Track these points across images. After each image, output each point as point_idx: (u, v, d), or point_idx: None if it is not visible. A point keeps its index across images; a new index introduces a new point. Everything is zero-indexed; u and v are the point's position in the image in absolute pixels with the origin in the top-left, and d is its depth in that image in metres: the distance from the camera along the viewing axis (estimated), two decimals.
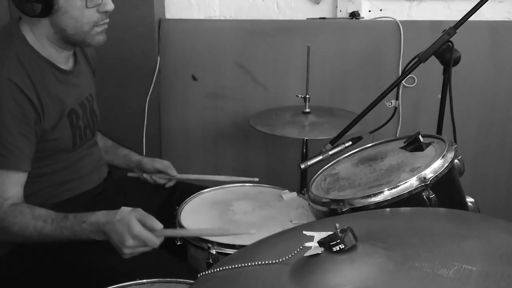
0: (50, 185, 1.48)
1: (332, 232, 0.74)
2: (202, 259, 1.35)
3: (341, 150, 1.53)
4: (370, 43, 2.33)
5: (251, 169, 2.52)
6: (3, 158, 1.31)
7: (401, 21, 2.28)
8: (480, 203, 1.44)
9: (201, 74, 2.45)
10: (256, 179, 1.68)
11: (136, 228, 1.21)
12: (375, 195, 1.20)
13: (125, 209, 1.26)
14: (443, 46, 1.52)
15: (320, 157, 1.51)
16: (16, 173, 1.34)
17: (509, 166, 2.41)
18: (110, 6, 1.40)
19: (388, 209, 1.12)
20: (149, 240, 1.23)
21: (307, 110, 2.01)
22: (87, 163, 1.59)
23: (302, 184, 2.07)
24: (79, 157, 1.56)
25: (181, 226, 1.43)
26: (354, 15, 2.36)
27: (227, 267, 0.85)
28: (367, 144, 1.53)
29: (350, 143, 1.55)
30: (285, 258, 0.81)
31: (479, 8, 1.48)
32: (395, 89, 1.63)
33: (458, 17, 1.51)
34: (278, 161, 2.50)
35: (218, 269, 0.86)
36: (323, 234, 0.75)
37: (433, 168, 1.21)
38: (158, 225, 1.24)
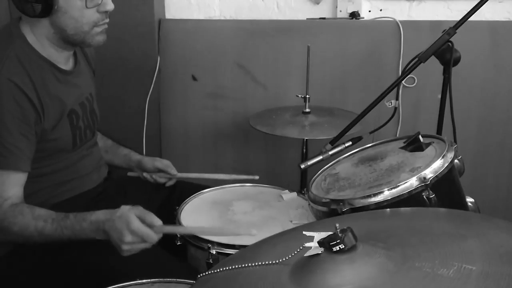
0: (50, 185, 1.48)
1: (332, 232, 0.74)
2: (202, 259, 1.35)
3: (341, 150, 1.52)
4: (370, 43, 2.33)
5: (251, 169, 2.51)
6: (3, 158, 1.31)
7: (401, 21, 2.28)
8: (480, 203, 1.44)
9: (201, 74, 2.45)
10: (257, 177, 1.68)
11: (134, 224, 1.22)
12: (375, 195, 1.21)
13: (125, 207, 1.26)
14: (443, 46, 1.52)
15: (320, 157, 1.51)
16: (16, 173, 1.34)
17: (509, 166, 2.41)
18: (110, 6, 1.40)
19: (388, 209, 1.12)
20: (148, 235, 1.23)
21: (307, 110, 2.01)
22: (87, 163, 1.59)
23: (302, 184, 2.07)
24: (79, 157, 1.56)
25: (181, 232, 1.43)
26: (354, 15, 2.36)
27: (227, 268, 0.85)
28: (367, 144, 1.53)
29: (350, 143, 1.55)
30: (285, 259, 0.81)
31: (479, 8, 1.48)
32: (395, 89, 1.64)
33: (458, 17, 1.51)
34: (278, 161, 2.50)
35: (218, 270, 0.86)
36: (323, 234, 0.76)
37: (433, 168, 1.21)
38: (157, 221, 1.24)
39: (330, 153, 1.51)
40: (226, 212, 1.54)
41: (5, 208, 1.30)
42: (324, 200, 1.28)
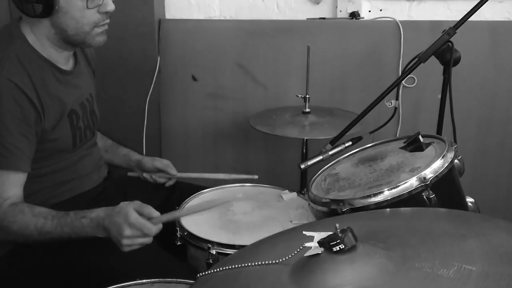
0: (50, 185, 1.49)
1: (332, 232, 0.74)
2: (202, 259, 1.35)
3: (341, 150, 1.52)
4: (370, 43, 2.33)
5: (251, 169, 2.50)
6: (3, 158, 1.32)
7: (401, 21, 2.28)
8: (480, 203, 1.44)
9: (201, 74, 2.45)
10: (256, 176, 1.68)
11: (132, 217, 1.23)
12: (375, 195, 1.20)
13: (123, 203, 1.28)
14: (443, 46, 1.52)
15: (320, 157, 1.51)
16: (16, 173, 1.35)
17: (509, 166, 2.41)
18: (111, 7, 1.40)
19: (388, 209, 1.12)
20: (146, 228, 1.24)
21: (307, 110, 2.01)
22: (87, 163, 1.59)
23: (302, 184, 2.07)
24: (79, 157, 1.56)
25: (181, 226, 1.43)
26: (354, 15, 2.36)
27: (227, 267, 0.85)
28: (367, 144, 1.53)
29: (350, 143, 1.55)
30: (285, 258, 0.81)
31: (479, 8, 1.48)
32: (395, 89, 1.64)
33: (458, 17, 1.51)
34: (278, 161, 2.50)
35: (218, 269, 0.86)
36: (323, 234, 0.76)
37: (433, 168, 1.21)
38: (155, 212, 1.26)
39: (330, 153, 1.51)
40: (226, 213, 1.54)
41: (5, 208, 1.31)
42: (324, 200, 1.28)
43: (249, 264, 0.83)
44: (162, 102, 2.48)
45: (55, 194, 1.50)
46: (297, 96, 2.02)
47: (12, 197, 1.33)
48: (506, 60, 2.28)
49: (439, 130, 1.68)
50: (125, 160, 1.78)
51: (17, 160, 1.33)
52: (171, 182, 1.75)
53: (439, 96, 1.65)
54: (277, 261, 0.82)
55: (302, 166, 1.51)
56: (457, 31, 1.49)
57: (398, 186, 1.19)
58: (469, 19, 1.50)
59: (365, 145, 1.53)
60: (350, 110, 2.09)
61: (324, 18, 2.39)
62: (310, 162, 1.50)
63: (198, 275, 0.88)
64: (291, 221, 1.47)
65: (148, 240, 1.26)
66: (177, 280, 1.11)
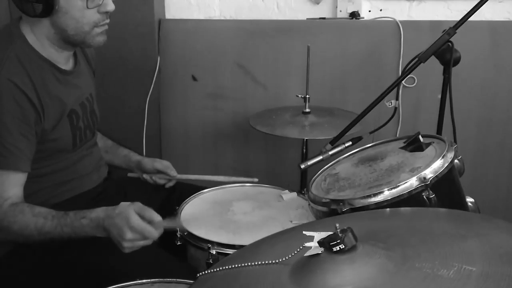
0: (50, 186, 1.48)
1: (332, 232, 0.74)
2: (202, 259, 1.35)
3: (341, 150, 1.52)
4: (370, 43, 2.33)
5: (251, 169, 2.52)
6: (3, 158, 1.31)
7: (401, 21, 2.28)
8: (480, 203, 1.44)
9: (201, 74, 2.45)
10: (256, 180, 1.68)
11: (134, 220, 1.22)
12: (375, 195, 1.20)
13: (124, 204, 1.27)
14: (443, 46, 1.52)
15: (320, 157, 1.51)
16: (16, 173, 1.34)
17: (509, 166, 2.41)
18: (111, 7, 1.40)
19: (388, 209, 1.12)
20: (148, 231, 1.23)
21: (307, 110, 2.01)
22: (87, 164, 1.59)
23: (302, 184, 2.07)
24: (79, 157, 1.56)
25: (181, 226, 1.43)
26: (354, 15, 2.36)
27: (226, 267, 0.85)
28: (367, 144, 1.53)
29: (350, 143, 1.55)
30: (285, 258, 0.81)
31: (479, 8, 1.48)
32: (395, 89, 1.63)
33: (458, 17, 1.51)
34: (278, 161, 2.50)
35: (217, 269, 0.86)
36: (323, 234, 0.76)
37: (433, 168, 1.21)
38: (157, 217, 1.25)
39: (330, 153, 1.51)
40: (226, 213, 1.54)
41: (5, 208, 1.30)
42: (324, 200, 1.27)
43: (249, 264, 0.83)
44: (162, 102, 2.48)
45: (55, 194, 1.50)
46: (297, 96, 2.02)
47: (12, 197, 1.33)
48: (506, 60, 2.28)
49: (439, 130, 1.68)
50: (125, 160, 1.78)
51: (17, 160, 1.33)
52: (171, 183, 1.75)
53: (439, 96, 1.65)
54: (277, 261, 0.82)
55: (302, 166, 1.51)
56: (457, 31, 1.49)
57: (398, 186, 1.19)
58: (469, 19, 1.50)
59: (365, 145, 1.53)
60: (350, 110, 2.09)
61: (324, 18, 2.39)
62: (310, 162, 1.50)
63: (198, 275, 0.87)
64: (291, 221, 1.47)
65: (149, 242, 1.25)
66: (177, 280, 1.11)
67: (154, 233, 1.24)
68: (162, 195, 1.73)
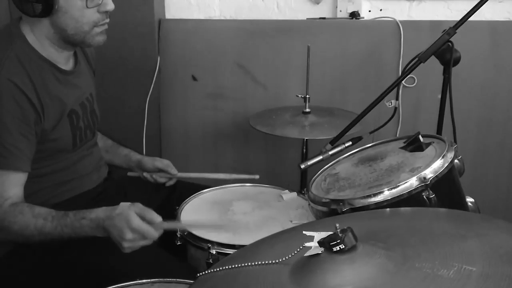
0: (50, 185, 1.48)
1: (332, 232, 0.74)
2: (202, 259, 1.35)
3: (341, 150, 1.52)
4: (370, 43, 2.33)
5: (251, 169, 2.50)
6: (3, 159, 1.31)
7: (401, 21, 2.28)
8: (480, 203, 1.44)
9: (201, 74, 2.45)
10: (257, 176, 1.68)
11: (135, 221, 1.22)
12: (375, 195, 1.20)
13: (124, 204, 1.27)
14: (443, 46, 1.52)
15: (320, 157, 1.51)
16: (16, 174, 1.34)
17: (509, 166, 2.41)
18: (111, 6, 1.40)
19: (388, 209, 1.12)
20: (148, 232, 1.23)
21: (307, 110, 2.01)
22: (87, 163, 1.59)
23: (302, 184, 2.07)
24: (79, 157, 1.56)
25: (182, 227, 1.43)
26: (354, 15, 2.36)
27: (226, 267, 0.85)
28: (367, 144, 1.53)
29: (350, 143, 1.55)
30: (285, 258, 0.81)
31: (479, 8, 1.48)
32: (395, 89, 1.64)
33: (458, 17, 1.51)
34: (278, 161, 2.50)
35: (217, 269, 0.86)
36: (323, 234, 0.76)
37: (433, 168, 1.21)
38: (157, 218, 1.25)
39: (330, 153, 1.51)
40: (226, 212, 1.54)
41: (5, 208, 1.30)
42: (324, 200, 1.28)
43: (249, 264, 0.83)
44: (162, 102, 2.48)
45: (55, 194, 1.50)
46: (297, 96, 2.02)
47: (12, 197, 1.32)
48: (506, 60, 2.28)
49: (439, 130, 1.68)
50: (126, 160, 1.78)
51: (17, 160, 1.33)
52: (171, 182, 1.75)
53: (439, 96, 1.65)
54: (277, 261, 0.81)
55: (302, 166, 1.51)
56: (457, 31, 1.49)
57: (398, 186, 1.19)
58: (469, 19, 1.50)
59: (365, 145, 1.53)
60: (350, 110, 2.09)
61: (324, 18, 2.39)
62: (310, 162, 1.50)
63: (198, 275, 0.87)
64: (291, 221, 1.47)
65: (149, 242, 1.25)
66: (177, 280, 1.11)
67: (155, 234, 1.24)
68: (162, 195, 1.73)
